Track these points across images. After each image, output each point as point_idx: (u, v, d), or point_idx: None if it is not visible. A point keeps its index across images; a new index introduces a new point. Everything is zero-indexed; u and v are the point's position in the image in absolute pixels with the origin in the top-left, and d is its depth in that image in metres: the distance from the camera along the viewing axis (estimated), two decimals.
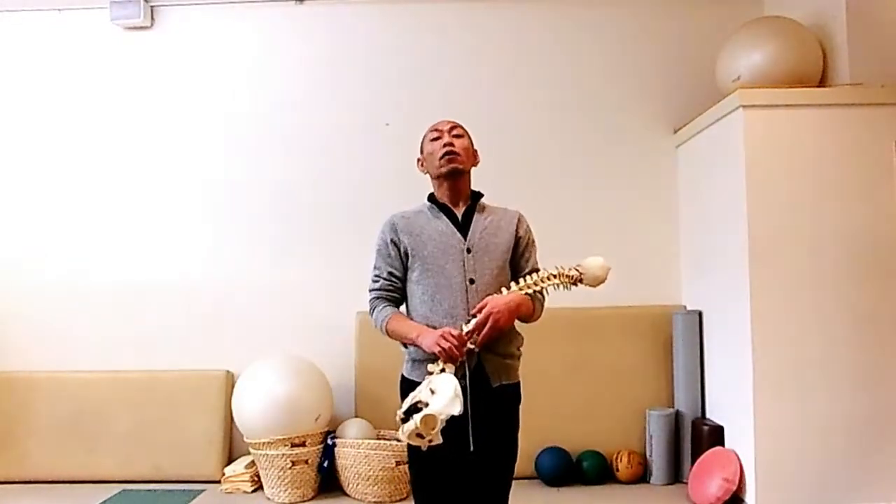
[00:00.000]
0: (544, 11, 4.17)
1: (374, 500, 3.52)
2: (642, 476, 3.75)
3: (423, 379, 2.11)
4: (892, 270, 3.22)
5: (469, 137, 2.34)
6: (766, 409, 3.19)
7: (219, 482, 3.82)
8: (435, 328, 2.13)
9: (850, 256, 3.22)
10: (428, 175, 2.34)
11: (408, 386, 2.23)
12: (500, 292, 2.15)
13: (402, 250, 2.25)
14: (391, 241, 2.26)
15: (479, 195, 2.36)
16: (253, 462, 3.74)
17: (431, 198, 2.33)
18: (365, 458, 3.51)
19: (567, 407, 3.85)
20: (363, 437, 3.66)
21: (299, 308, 4.09)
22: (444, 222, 2.26)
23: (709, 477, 3.36)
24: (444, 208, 2.29)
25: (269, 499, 3.61)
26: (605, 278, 2.24)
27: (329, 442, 3.65)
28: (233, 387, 3.87)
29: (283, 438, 3.53)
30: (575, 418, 3.85)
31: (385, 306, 2.26)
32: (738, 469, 3.28)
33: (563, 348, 3.90)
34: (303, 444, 3.57)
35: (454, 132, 2.29)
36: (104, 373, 4.04)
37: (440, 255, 2.21)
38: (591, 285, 2.22)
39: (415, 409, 1.95)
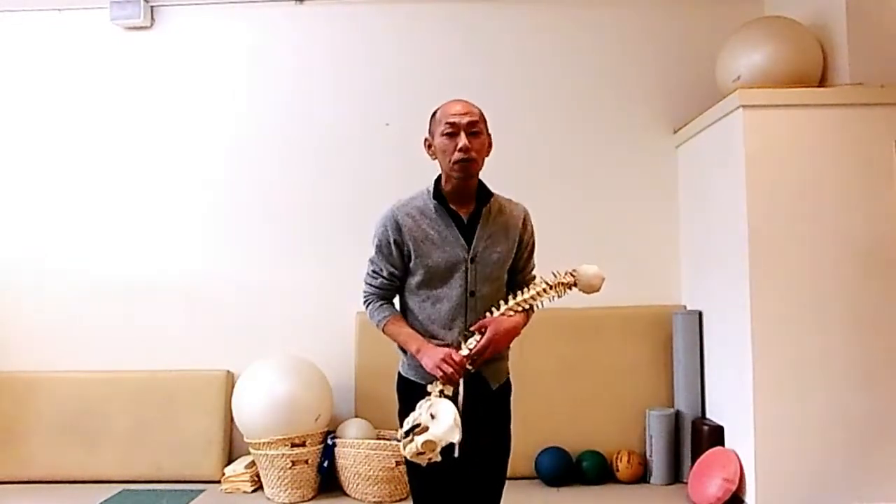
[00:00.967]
0: (544, 12, 4.17)
1: (374, 500, 3.53)
2: (642, 476, 3.75)
3: (422, 380, 2.11)
4: (892, 270, 3.22)
5: (485, 126, 2.16)
6: (766, 409, 3.19)
7: (219, 482, 3.82)
8: (434, 337, 2.12)
9: (850, 256, 3.22)
10: (434, 158, 2.19)
11: (405, 385, 2.23)
12: (497, 306, 2.12)
13: (404, 253, 2.16)
14: (394, 241, 2.15)
15: (487, 195, 2.20)
16: (253, 462, 3.74)
17: (437, 194, 2.17)
18: (365, 458, 3.51)
19: (567, 407, 3.86)
20: (363, 437, 3.66)
21: (299, 308, 4.09)
22: (449, 228, 2.15)
23: (709, 477, 3.36)
24: (450, 211, 2.16)
25: (269, 499, 3.61)
26: (599, 288, 2.22)
27: (329, 442, 3.65)
28: (233, 387, 3.87)
29: (283, 438, 3.53)
30: (575, 418, 3.85)
31: (383, 305, 2.22)
32: (738, 469, 3.28)
33: (563, 348, 3.91)
34: (303, 444, 3.57)
35: (472, 129, 2.10)
36: (104, 373, 4.04)
37: (444, 265, 2.13)
38: (584, 292, 2.21)
39: (416, 428, 1.96)
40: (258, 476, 3.72)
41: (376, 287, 2.23)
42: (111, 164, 4.21)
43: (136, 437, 3.93)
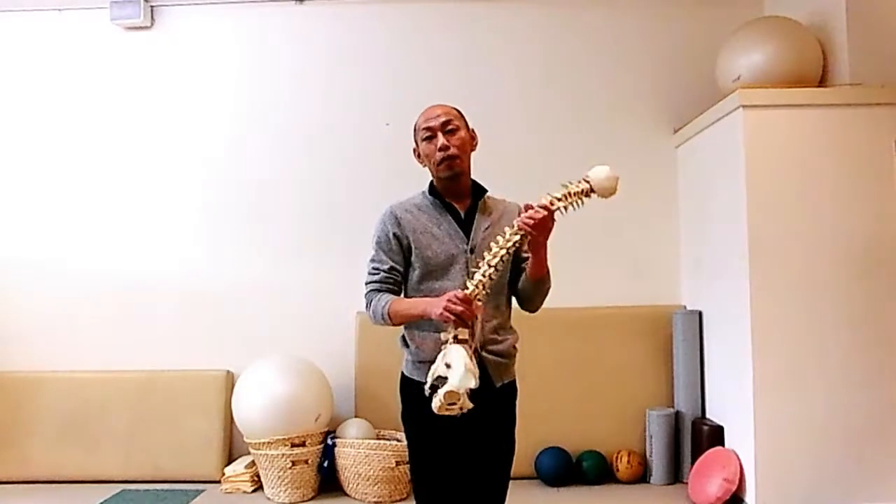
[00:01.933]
0: (544, 12, 4.17)
1: (374, 500, 3.53)
2: (642, 476, 3.75)
3: (424, 379, 2.10)
4: (892, 270, 3.22)
5: (463, 121, 2.24)
6: (766, 409, 3.19)
7: (219, 482, 3.82)
8: (436, 331, 2.10)
9: (850, 256, 3.22)
10: (426, 167, 2.27)
11: (409, 385, 2.23)
12: (470, 277, 2.06)
13: (404, 246, 2.19)
14: (394, 234, 2.19)
15: (481, 191, 2.28)
16: (253, 462, 3.74)
17: (433, 191, 2.25)
18: (365, 458, 3.51)
19: (567, 407, 3.85)
20: (363, 437, 3.66)
21: (299, 308, 4.09)
22: (447, 221, 2.21)
23: (709, 477, 3.36)
24: (447, 205, 2.22)
25: (269, 499, 3.61)
26: (615, 188, 2.08)
27: (329, 442, 3.65)
28: (233, 387, 3.87)
29: (283, 438, 3.53)
30: (575, 418, 3.85)
31: (383, 295, 2.18)
32: (738, 469, 3.28)
33: (563, 348, 3.90)
34: (303, 444, 3.57)
35: (448, 128, 2.18)
36: (104, 373, 4.04)
37: (443, 256, 2.17)
38: (602, 196, 2.08)
39: (437, 382, 1.93)
40: (258, 476, 3.72)
41: (377, 282, 2.21)
42: (112, 164, 4.21)
43: (135, 437, 3.93)
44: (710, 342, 3.73)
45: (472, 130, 2.28)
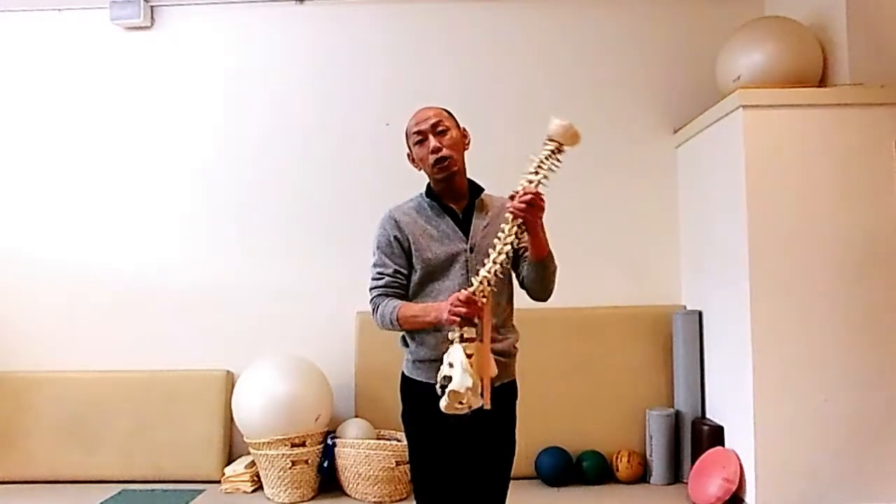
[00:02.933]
0: (543, 12, 4.17)
1: (374, 500, 3.53)
2: (642, 476, 3.75)
3: (425, 378, 2.11)
4: (892, 270, 3.22)
5: (453, 121, 2.25)
6: (766, 409, 3.19)
7: (219, 482, 3.82)
8: (437, 330, 2.11)
9: (850, 256, 3.22)
10: (421, 171, 2.28)
11: (409, 386, 2.23)
12: (475, 274, 2.05)
13: (405, 249, 2.20)
14: (395, 237, 2.20)
15: (477, 190, 2.29)
16: (253, 462, 3.74)
17: (429, 193, 2.26)
18: (365, 458, 3.51)
19: (567, 407, 3.85)
20: (363, 437, 3.66)
21: (299, 308, 4.09)
22: (445, 222, 2.22)
23: (709, 477, 3.36)
24: (444, 207, 2.24)
25: (269, 499, 3.61)
26: (577, 133, 2.07)
27: (329, 442, 3.65)
28: (233, 387, 3.87)
29: (283, 438, 3.53)
30: (575, 418, 3.85)
31: (390, 300, 2.18)
32: (738, 469, 3.28)
33: (563, 348, 3.90)
34: (303, 444, 3.57)
35: (438, 129, 2.19)
36: (104, 373, 4.04)
37: (444, 257, 2.17)
38: (570, 145, 2.08)
39: (445, 381, 1.93)
40: (258, 476, 3.72)
41: (383, 286, 2.20)
42: (112, 164, 4.21)
43: (136, 437, 3.93)
44: (710, 342, 3.73)
45: (464, 129, 2.28)
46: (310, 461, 3.59)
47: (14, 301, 4.15)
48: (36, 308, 4.15)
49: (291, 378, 3.64)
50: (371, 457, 3.50)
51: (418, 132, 2.21)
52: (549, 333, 3.84)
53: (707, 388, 3.77)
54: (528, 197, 1.98)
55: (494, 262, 2.00)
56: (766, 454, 3.18)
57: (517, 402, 2.31)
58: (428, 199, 2.26)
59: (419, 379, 2.18)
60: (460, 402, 1.88)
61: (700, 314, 3.81)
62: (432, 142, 2.18)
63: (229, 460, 3.94)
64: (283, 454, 3.53)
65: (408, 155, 2.29)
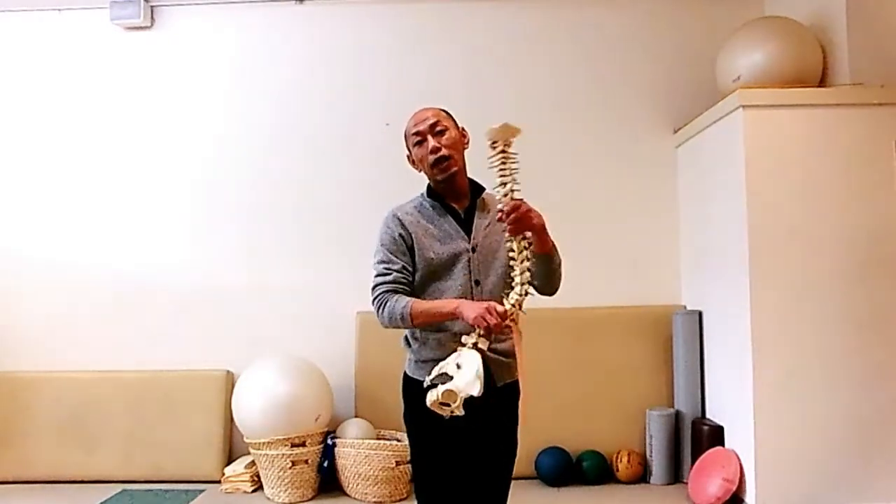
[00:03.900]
0: (544, 13, 4.17)
1: (374, 500, 3.52)
2: (642, 476, 3.75)
3: (424, 379, 2.10)
4: (892, 270, 3.22)
5: (451, 121, 2.24)
6: (766, 409, 3.19)
7: (219, 482, 3.82)
8: (440, 330, 2.11)
9: (850, 256, 3.22)
10: (422, 172, 2.27)
11: (411, 386, 2.23)
12: (505, 296, 2.07)
13: (409, 245, 2.18)
14: (399, 235, 2.19)
15: (479, 189, 2.28)
16: (253, 462, 3.74)
17: (431, 193, 2.25)
18: (365, 458, 3.51)
19: (567, 407, 3.85)
20: (363, 437, 3.66)
21: (299, 308, 4.09)
22: (447, 221, 2.21)
23: (709, 477, 3.36)
24: (446, 206, 2.23)
25: (269, 499, 3.61)
26: (509, 124, 2.05)
27: (329, 442, 3.65)
28: (233, 387, 3.87)
29: (283, 438, 3.53)
30: (575, 418, 3.85)
31: (399, 297, 2.14)
32: (738, 469, 3.28)
33: (563, 348, 3.91)
34: (303, 444, 3.57)
35: (436, 129, 2.18)
36: (104, 373, 4.04)
37: (446, 257, 2.16)
38: (514, 136, 2.06)
39: (441, 378, 1.94)
40: (258, 476, 3.72)
41: (390, 282, 2.16)
42: (112, 164, 4.21)
43: (135, 437, 3.93)
44: (710, 342, 3.73)
45: (463, 129, 2.28)
46: (310, 461, 3.59)
47: (14, 301, 4.15)
48: (36, 308, 4.15)
49: (291, 378, 3.64)
50: (371, 457, 3.50)
51: (417, 133, 2.21)
52: (549, 333, 3.84)
53: (707, 388, 3.77)
54: (512, 213, 2.00)
55: (522, 285, 2.02)
56: (766, 454, 3.18)
57: (519, 403, 2.30)
58: (429, 200, 2.25)
59: (421, 379, 2.17)
60: (446, 404, 1.89)
61: (700, 314, 3.81)
62: (431, 142, 2.18)
63: (229, 460, 3.94)
64: (283, 454, 3.53)
65: (408, 156, 2.29)
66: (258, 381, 3.66)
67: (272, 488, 3.59)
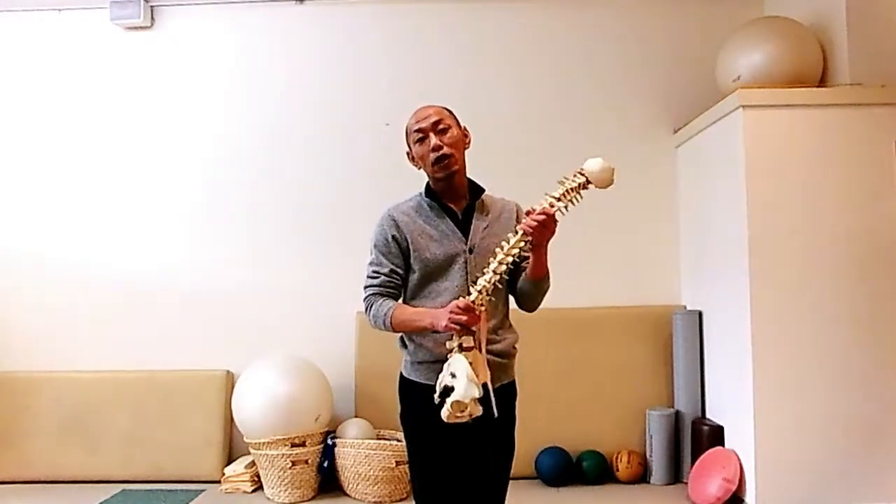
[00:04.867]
0: (543, 12, 4.17)
1: (374, 500, 3.53)
2: (642, 476, 3.75)
3: (424, 380, 2.10)
4: (892, 270, 3.22)
5: (454, 119, 2.23)
6: (766, 409, 3.19)
7: (219, 482, 3.82)
8: (436, 332, 2.09)
9: (850, 256, 3.22)
10: (421, 170, 2.26)
11: (407, 387, 2.23)
12: (473, 284, 2.04)
13: (403, 248, 2.18)
14: (392, 237, 2.18)
15: (478, 190, 2.26)
16: (253, 462, 3.74)
17: (429, 192, 2.24)
18: (365, 458, 3.51)
19: (567, 407, 3.86)
20: (363, 437, 3.66)
21: (299, 308, 4.09)
22: (444, 222, 2.20)
23: (709, 477, 3.36)
24: (444, 207, 2.22)
25: (269, 499, 3.61)
26: (612, 179, 2.09)
27: (329, 442, 3.65)
28: (233, 387, 3.87)
29: (283, 438, 3.53)
30: (575, 418, 3.85)
31: (385, 300, 2.17)
32: (738, 469, 3.28)
33: (563, 348, 3.91)
34: (303, 444, 3.57)
35: (439, 127, 2.17)
36: (104, 373, 4.04)
37: (443, 257, 2.16)
38: (600, 187, 2.08)
39: (446, 392, 1.93)
40: (258, 476, 3.72)
41: (377, 286, 2.19)
42: (112, 165, 4.21)
43: (135, 437, 3.93)
44: (710, 342, 3.73)
45: (465, 128, 2.27)
46: (310, 461, 3.59)
47: (14, 301, 4.15)
48: (36, 308, 4.15)
49: (291, 378, 3.64)
50: (371, 457, 3.50)
51: (419, 130, 2.19)
52: (549, 333, 3.84)
53: (707, 388, 3.77)
54: (543, 217, 1.99)
55: (494, 273, 2.00)
56: (766, 454, 3.18)
57: (517, 402, 2.30)
58: (427, 199, 2.24)
59: (418, 380, 2.17)
60: (461, 412, 1.89)
61: (700, 314, 3.81)
62: (433, 140, 2.17)
63: (229, 460, 3.94)
64: (283, 454, 3.53)
65: (408, 153, 2.27)
66: (258, 381, 3.66)
67: (272, 488, 3.59)
